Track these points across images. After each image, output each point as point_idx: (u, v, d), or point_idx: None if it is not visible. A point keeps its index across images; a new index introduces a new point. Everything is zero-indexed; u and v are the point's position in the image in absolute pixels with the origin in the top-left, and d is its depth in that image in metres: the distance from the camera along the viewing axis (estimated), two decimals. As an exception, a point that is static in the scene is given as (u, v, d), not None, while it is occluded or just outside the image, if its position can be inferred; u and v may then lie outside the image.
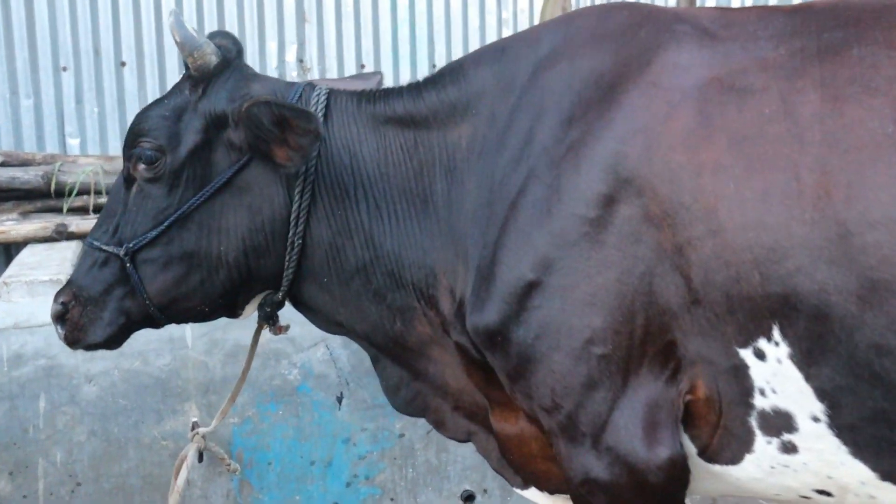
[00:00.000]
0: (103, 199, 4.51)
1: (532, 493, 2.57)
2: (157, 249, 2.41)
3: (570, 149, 2.11)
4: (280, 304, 2.61)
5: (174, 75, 4.86)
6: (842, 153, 1.79)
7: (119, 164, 4.82)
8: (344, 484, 3.72)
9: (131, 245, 2.40)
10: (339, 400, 3.69)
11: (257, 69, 4.99)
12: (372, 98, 2.49)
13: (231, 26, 4.90)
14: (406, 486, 3.81)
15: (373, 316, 2.51)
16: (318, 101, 2.47)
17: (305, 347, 3.64)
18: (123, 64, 4.88)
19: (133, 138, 2.44)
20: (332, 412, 3.69)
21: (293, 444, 3.67)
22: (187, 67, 2.45)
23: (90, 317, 2.46)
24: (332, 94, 2.51)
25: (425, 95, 2.43)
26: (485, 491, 3.89)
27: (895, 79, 1.81)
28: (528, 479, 2.53)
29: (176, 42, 2.43)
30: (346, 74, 5.03)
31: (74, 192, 4.48)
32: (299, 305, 2.62)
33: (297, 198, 2.41)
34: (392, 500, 3.79)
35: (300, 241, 2.43)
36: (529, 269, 2.11)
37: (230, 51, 2.52)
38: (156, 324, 2.54)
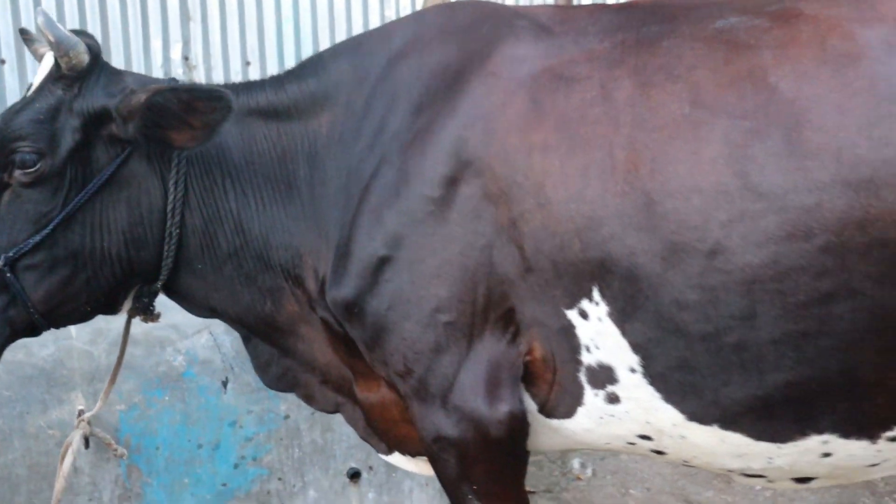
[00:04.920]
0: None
1: (396, 457, 2.76)
2: (40, 254, 2.40)
3: (417, 135, 2.30)
4: (156, 294, 2.69)
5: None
6: (648, 132, 2.04)
7: None
8: (232, 465, 3.85)
9: (11, 254, 2.37)
10: (225, 384, 3.81)
11: (142, 67, 5.09)
12: (235, 91, 2.62)
13: (115, 23, 4.94)
14: (293, 466, 3.96)
15: (245, 298, 2.64)
16: None
17: (190, 334, 3.75)
18: None
19: (6, 145, 2.40)
20: (217, 396, 3.80)
21: (180, 429, 3.77)
22: (58, 67, 2.47)
23: None
24: None
25: (287, 87, 2.59)
26: (370, 468, 4.06)
27: (694, 66, 2.06)
28: (392, 444, 2.71)
29: (49, 42, 2.42)
30: (232, 72, 5.14)
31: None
32: (173, 294, 2.72)
33: (171, 189, 2.49)
34: (280, 479, 3.93)
35: (178, 231, 2.51)
36: (381, 245, 2.29)
37: (96, 48, 2.59)
38: (36, 331, 2.53)
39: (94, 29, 4.83)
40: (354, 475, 4.04)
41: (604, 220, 2.05)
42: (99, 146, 2.46)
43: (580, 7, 2.44)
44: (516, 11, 2.46)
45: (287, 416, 3.92)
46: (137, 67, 5.01)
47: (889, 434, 2.01)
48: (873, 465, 2.13)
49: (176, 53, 5.08)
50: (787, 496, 4.47)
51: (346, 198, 2.42)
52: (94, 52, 2.54)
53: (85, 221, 2.45)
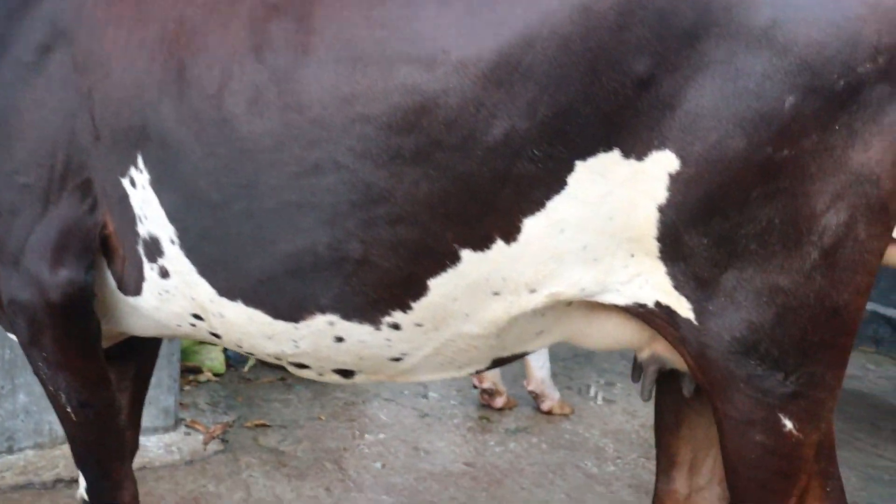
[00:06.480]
0: None
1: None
2: None
3: (23, 4, 2.35)
4: None
5: None
6: (195, 7, 2.13)
7: None
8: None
9: None
10: (-67, 276, 3.79)
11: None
12: None
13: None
14: (3, 367, 3.94)
15: None
16: None
17: None
18: None
19: None
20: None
21: None
22: None
23: None
24: None
25: None
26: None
27: None
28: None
29: None
30: None
31: None
32: None
33: None
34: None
35: None
36: None
37: None
38: None
39: None
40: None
41: (147, 87, 2.13)
42: None
43: None
44: None
45: None
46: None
47: (390, 320, 2.11)
48: (397, 360, 2.23)
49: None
50: (516, 453, 4.60)
51: None
52: None
53: None
